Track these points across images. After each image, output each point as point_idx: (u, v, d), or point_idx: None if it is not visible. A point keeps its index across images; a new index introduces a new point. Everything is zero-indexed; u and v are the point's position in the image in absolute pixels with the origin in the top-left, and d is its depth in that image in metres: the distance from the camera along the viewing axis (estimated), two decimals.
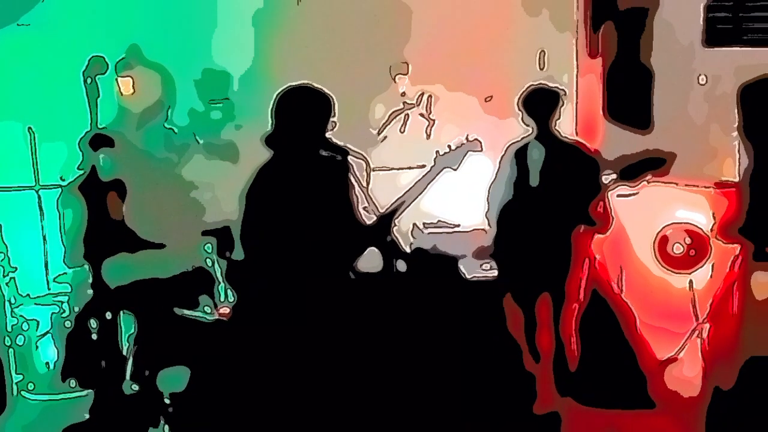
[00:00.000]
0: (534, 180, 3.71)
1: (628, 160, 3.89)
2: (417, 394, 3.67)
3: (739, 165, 3.85)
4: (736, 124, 3.46)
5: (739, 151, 3.86)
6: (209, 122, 4.19)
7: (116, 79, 3.94)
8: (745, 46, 4.23)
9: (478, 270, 4.07)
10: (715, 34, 4.25)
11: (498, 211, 3.78)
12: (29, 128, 4.00)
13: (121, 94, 3.99)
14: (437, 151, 3.31)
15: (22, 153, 4.02)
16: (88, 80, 3.61)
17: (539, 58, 4.38)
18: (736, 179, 3.88)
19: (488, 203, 3.84)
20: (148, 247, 3.71)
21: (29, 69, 3.95)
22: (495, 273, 3.98)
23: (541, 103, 3.73)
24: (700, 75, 4.21)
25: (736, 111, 3.42)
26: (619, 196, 3.97)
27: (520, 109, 3.78)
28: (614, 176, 3.89)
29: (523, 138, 3.79)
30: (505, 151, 3.79)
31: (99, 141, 3.64)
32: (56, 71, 3.95)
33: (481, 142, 3.34)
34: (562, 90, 3.83)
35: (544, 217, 3.69)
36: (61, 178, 3.92)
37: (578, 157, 3.74)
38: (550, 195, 3.69)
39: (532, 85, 3.80)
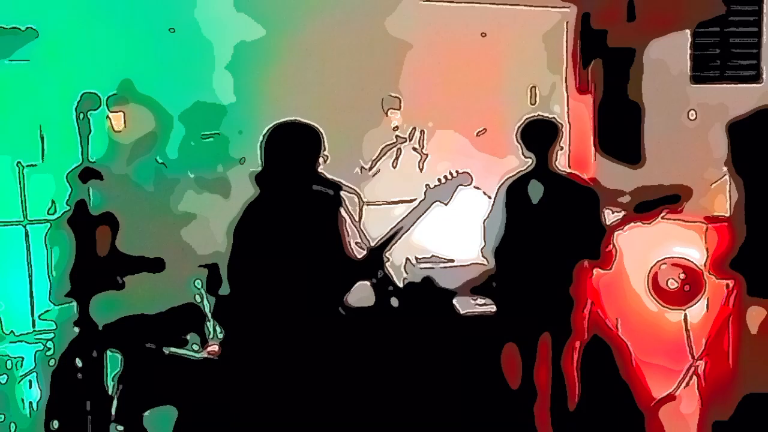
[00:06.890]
0: (531, 214, 3.60)
1: (644, 192, 3.86)
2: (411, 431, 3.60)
3: (730, 199, 3.86)
4: (726, 159, 3.48)
5: (729, 185, 3.87)
6: (201, 156, 4.18)
7: (107, 115, 3.94)
8: (732, 83, 4.31)
9: (472, 305, 4.03)
10: (702, 71, 4.33)
11: (495, 246, 3.68)
12: (18, 162, 3.98)
13: (113, 130, 3.98)
14: (427, 185, 3.29)
15: (11, 187, 3.99)
16: (80, 116, 3.60)
17: (530, 93, 4.42)
18: (728, 214, 3.89)
19: (484, 240, 3.74)
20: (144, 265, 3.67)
21: (20, 104, 3.94)
22: (489, 309, 3.93)
23: (537, 135, 3.63)
24: (690, 111, 4.27)
25: (725, 146, 3.45)
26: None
27: (518, 141, 3.70)
28: (622, 214, 3.85)
29: (519, 172, 3.71)
30: (500, 186, 3.71)
31: (88, 174, 3.62)
32: (46, 106, 3.94)
33: (471, 176, 3.33)
34: (560, 123, 3.76)
35: (543, 253, 3.57)
36: (48, 213, 3.88)
37: (577, 190, 3.64)
38: (549, 229, 3.58)
39: (529, 117, 3.73)
